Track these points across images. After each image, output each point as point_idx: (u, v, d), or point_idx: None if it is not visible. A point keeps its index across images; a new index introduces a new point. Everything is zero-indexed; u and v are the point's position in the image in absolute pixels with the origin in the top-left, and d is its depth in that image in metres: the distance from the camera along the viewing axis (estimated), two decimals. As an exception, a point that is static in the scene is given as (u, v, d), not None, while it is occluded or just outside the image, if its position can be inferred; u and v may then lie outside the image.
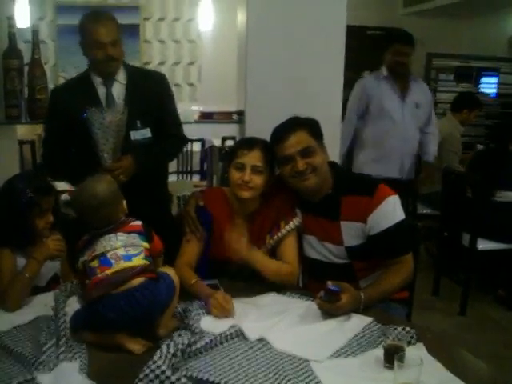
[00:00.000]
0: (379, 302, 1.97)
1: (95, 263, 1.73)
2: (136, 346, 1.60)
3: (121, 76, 2.52)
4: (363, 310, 1.88)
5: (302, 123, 2.13)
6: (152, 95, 2.55)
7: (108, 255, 1.73)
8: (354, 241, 2.13)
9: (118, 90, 2.50)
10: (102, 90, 2.49)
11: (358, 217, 2.09)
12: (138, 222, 1.87)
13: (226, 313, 1.82)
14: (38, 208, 2.00)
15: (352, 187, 2.14)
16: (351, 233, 2.12)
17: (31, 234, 2.01)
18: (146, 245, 1.82)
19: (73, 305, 1.83)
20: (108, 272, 1.69)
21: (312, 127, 2.14)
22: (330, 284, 1.82)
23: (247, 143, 2.16)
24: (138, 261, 1.74)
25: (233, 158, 2.15)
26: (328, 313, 1.82)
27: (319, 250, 2.20)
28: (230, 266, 2.08)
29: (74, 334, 1.66)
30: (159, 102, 2.59)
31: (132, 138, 2.46)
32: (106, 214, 1.82)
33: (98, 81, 2.49)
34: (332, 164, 2.23)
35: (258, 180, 2.09)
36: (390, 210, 2.08)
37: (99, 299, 1.66)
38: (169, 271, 1.81)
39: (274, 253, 2.16)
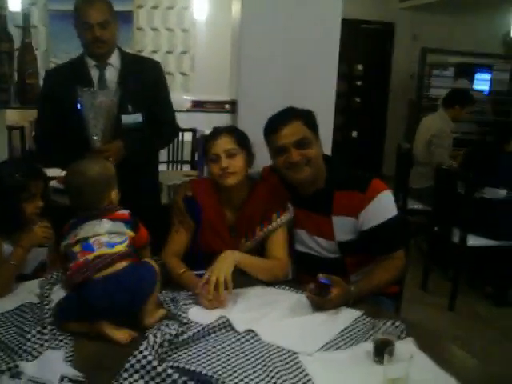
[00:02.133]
0: (369, 296, 1.95)
1: (77, 248, 1.71)
2: (121, 335, 1.57)
3: (114, 60, 2.52)
4: (353, 303, 1.86)
5: (297, 114, 2.09)
6: (145, 81, 2.55)
7: (90, 241, 1.70)
8: (346, 236, 2.10)
9: (112, 73, 2.51)
10: (95, 73, 2.50)
11: (350, 212, 2.06)
12: (125, 211, 1.84)
13: (217, 304, 1.80)
14: (26, 192, 1.96)
15: (345, 182, 2.11)
16: (343, 228, 2.09)
17: (19, 219, 1.97)
18: (131, 233, 1.79)
19: (58, 292, 1.80)
20: (89, 257, 1.67)
21: (308, 118, 2.10)
22: (320, 277, 1.80)
23: (212, 134, 2.15)
24: (121, 248, 1.72)
25: (206, 154, 2.13)
26: (318, 306, 1.81)
27: (310, 244, 2.18)
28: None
29: (59, 324, 1.62)
30: (152, 88, 2.59)
31: (123, 121, 2.46)
32: (91, 196, 1.79)
33: (91, 63, 2.49)
34: (326, 157, 2.20)
35: (235, 162, 2.06)
36: (383, 206, 2.06)
37: (82, 285, 1.64)
38: (151, 262, 1.78)
39: (262, 244, 2.14)
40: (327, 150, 3.04)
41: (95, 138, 2.30)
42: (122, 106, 2.42)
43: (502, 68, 6.79)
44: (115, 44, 2.52)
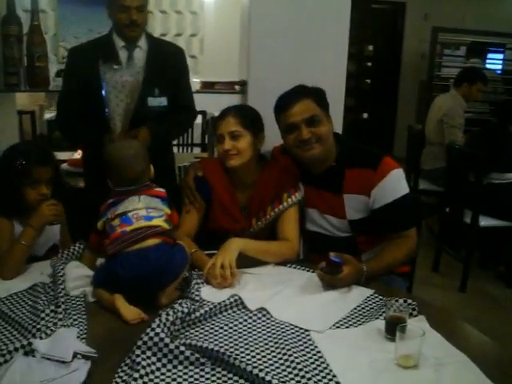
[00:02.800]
0: (381, 275, 1.95)
1: (116, 222, 1.75)
2: (130, 314, 1.58)
3: (143, 42, 2.54)
4: (365, 282, 1.86)
5: (308, 92, 2.09)
6: (170, 66, 2.58)
7: (129, 214, 1.75)
8: (357, 214, 2.09)
9: (139, 55, 2.52)
10: (123, 54, 2.51)
11: (361, 190, 2.05)
12: (162, 189, 1.87)
13: (225, 283, 1.81)
14: (29, 178, 1.95)
15: (356, 159, 2.09)
16: (354, 206, 2.08)
17: (22, 204, 1.97)
18: (168, 210, 1.83)
19: (73, 269, 1.82)
20: (127, 229, 1.71)
21: (318, 96, 2.09)
22: (332, 255, 1.80)
23: (220, 114, 2.15)
24: (159, 222, 1.76)
25: (215, 133, 2.16)
26: (329, 285, 1.81)
27: (321, 223, 2.17)
28: (229, 237, 2.03)
29: (94, 290, 1.72)
30: (176, 73, 2.62)
31: (149, 104, 2.47)
32: (136, 170, 1.83)
33: (120, 44, 2.51)
34: (337, 136, 2.18)
35: (239, 144, 2.05)
36: (394, 184, 2.04)
37: (115, 256, 1.68)
38: (182, 243, 1.82)
39: (273, 224, 2.13)
40: (338, 131, 3.03)
41: (117, 117, 2.29)
42: (149, 89, 2.45)
43: (515, 47, 6.71)
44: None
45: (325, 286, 1.81)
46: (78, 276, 1.79)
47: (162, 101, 2.52)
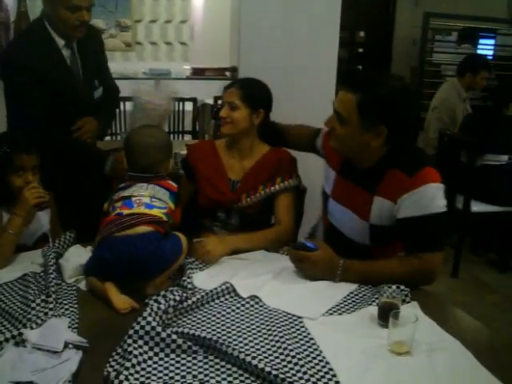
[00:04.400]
0: (367, 283, 1.77)
1: (119, 203, 1.77)
2: (120, 303, 1.57)
3: None
4: (342, 279, 1.76)
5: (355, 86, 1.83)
6: (96, 52, 2.55)
7: (133, 199, 1.76)
8: (380, 220, 1.88)
9: (75, 51, 2.43)
10: (66, 53, 2.40)
11: (391, 195, 1.83)
12: (175, 184, 1.89)
13: (209, 257, 1.89)
14: (13, 166, 1.93)
15: (398, 160, 1.85)
16: (380, 211, 1.87)
17: (8, 193, 1.95)
18: (172, 205, 1.83)
19: (67, 257, 1.82)
20: (124, 212, 1.72)
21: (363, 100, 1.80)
22: (305, 240, 1.81)
23: (229, 83, 2.27)
24: (158, 212, 1.76)
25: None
26: (298, 267, 1.79)
27: (343, 219, 2.02)
28: (219, 211, 2.22)
29: (86, 279, 1.71)
30: (101, 56, 2.61)
31: (95, 97, 2.47)
32: (150, 159, 1.86)
33: (61, 43, 2.38)
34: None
35: (233, 115, 2.16)
36: (426, 199, 1.78)
37: (105, 240, 1.67)
38: (181, 236, 1.79)
39: (263, 205, 2.20)
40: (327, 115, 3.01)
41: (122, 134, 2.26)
42: (91, 83, 2.43)
43: (507, 32, 6.68)
44: None
45: (294, 267, 1.81)
46: (77, 265, 1.77)
47: (100, 90, 2.51)
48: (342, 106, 1.80)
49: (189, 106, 5.11)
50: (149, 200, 1.77)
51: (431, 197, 1.78)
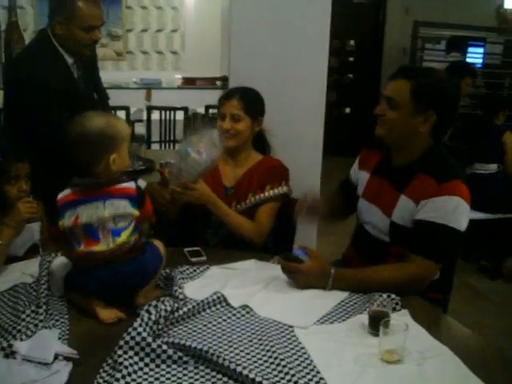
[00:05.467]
0: (356, 289, 1.76)
1: (80, 232, 1.58)
2: (106, 315, 1.56)
3: None
4: (333, 287, 1.75)
5: (408, 76, 1.88)
6: (93, 64, 2.58)
7: (95, 226, 1.57)
8: (402, 219, 1.88)
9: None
10: (75, 72, 2.43)
11: (417, 197, 1.84)
12: (132, 185, 1.65)
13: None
14: (7, 174, 1.93)
15: (432, 166, 1.86)
16: (403, 210, 1.87)
17: (2, 201, 1.94)
18: (137, 213, 1.62)
19: (58, 269, 1.78)
20: (95, 249, 1.57)
21: (417, 88, 1.85)
22: (296, 248, 1.80)
23: (226, 93, 2.30)
24: (127, 236, 1.60)
25: (218, 109, 2.30)
26: (289, 277, 1.78)
27: (367, 214, 2.05)
28: (214, 216, 2.19)
29: (68, 294, 1.66)
30: (96, 68, 2.64)
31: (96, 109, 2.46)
32: (85, 152, 1.58)
33: (70, 61, 2.39)
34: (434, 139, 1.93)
35: (238, 126, 2.21)
36: (447, 209, 1.78)
37: (83, 271, 1.62)
38: (157, 243, 1.76)
39: (254, 212, 2.23)
40: (319, 126, 3.03)
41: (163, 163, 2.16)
42: (91, 95, 2.47)
43: (495, 41, 6.74)
44: None
45: (286, 277, 1.79)
46: (62, 277, 1.74)
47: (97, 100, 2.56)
48: (395, 91, 1.86)
49: (180, 115, 5.12)
50: (113, 224, 1.58)
51: (453, 209, 1.78)
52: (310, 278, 1.76)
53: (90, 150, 1.59)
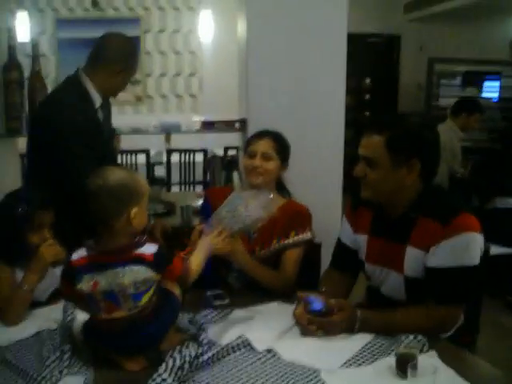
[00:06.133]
0: (382, 332, 1.71)
1: (99, 296, 1.55)
2: (131, 364, 1.55)
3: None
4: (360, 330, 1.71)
5: (383, 130, 1.81)
6: (110, 108, 2.64)
7: (115, 292, 1.54)
8: (414, 272, 1.81)
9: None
10: (100, 115, 2.49)
11: (423, 244, 1.77)
12: (151, 249, 1.57)
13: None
14: (31, 223, 1.94)
15: (431, 208, 1.79)
16: (414, 261, 1.80)
17: (26, 249, 1.95)
18: (158, 277, 1.58)
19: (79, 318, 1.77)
20: (116, 316, 1.55)
21: (394, 141, 1.77)
22: (310, 296, 1.73)
23: (259, 133, 2.30)
24: (148, 298, 1.56)
25: (246, 147, 2.30)
26: (322, 329, 1.69)
27: (379, 278, 1.95)
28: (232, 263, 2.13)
29: (86, 343, 1.63)
30: (110, 109, 2.68)
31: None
32: (105, 206, 1.54)
33: (97, 104, 2.44)
34: (425, 183, 1.87)
35: (267, 165, 2.21)
36: (461, 249, 1.72)
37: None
38: (173, 289, 1.70)
39: (277, 257, 2.18)
40: (338, 166, 3.04)
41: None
42: (111, 137, 2.55)
43: (511, 74, 6.77)
44: None
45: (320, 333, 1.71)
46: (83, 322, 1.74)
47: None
48: (370, 150, 1.80)
49: (199, 157, 5.19)
50: (133, 289, 1.53)
51: (466, 246, 1.72)
52: (341, 327, 1.71)
53: (112, 202, 1.55)
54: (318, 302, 1.71)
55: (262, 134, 2.28)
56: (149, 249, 1.57)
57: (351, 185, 2.01)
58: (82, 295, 1.58)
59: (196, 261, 1.76)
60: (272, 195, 2.08)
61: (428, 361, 1.47)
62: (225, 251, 1.96)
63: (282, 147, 2.26)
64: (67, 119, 2.29)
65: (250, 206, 1.97)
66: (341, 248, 2.09)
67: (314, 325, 1.70)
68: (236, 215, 1.96)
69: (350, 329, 1.71)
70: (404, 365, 1.42)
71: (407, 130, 1.80)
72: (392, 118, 1.93)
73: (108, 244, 1.57)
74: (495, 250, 3.78)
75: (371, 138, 1.80)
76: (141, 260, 1.55)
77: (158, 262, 1.56)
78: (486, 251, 1.93)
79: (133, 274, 1.53)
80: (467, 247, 1.72)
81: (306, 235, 2.20)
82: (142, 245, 1.57)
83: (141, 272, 1.54)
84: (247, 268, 2.08)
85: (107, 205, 1.54)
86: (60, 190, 2.19)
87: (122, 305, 1.54)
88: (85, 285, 1.56)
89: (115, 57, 2.41)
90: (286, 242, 2.17)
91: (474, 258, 1.73)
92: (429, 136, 1.84)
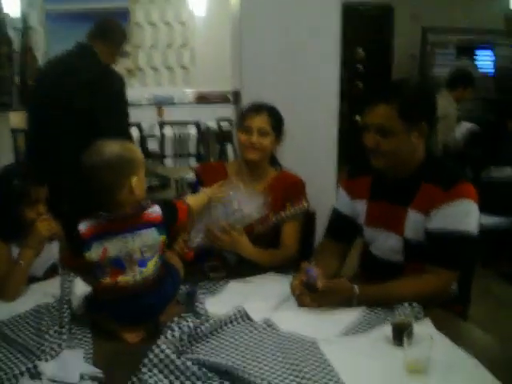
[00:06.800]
0: (380, 304, 1.72)
1: (106, 263, 1.59)
2: (130, 335, 1.57)
3: None
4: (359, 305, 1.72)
5: (390, 98, 1.81)
6: None
7: (122, 257, 1.59)
8: (414, 234, 1.84)
9: None
10: None
11: (425, 208, 1.81)
12: (157, 211, 1.64)
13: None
14: (27, 198, 1.94)
15: (434, 174, 1.83)
16: (414, 224, 1.84)
17: (22, 224, 1.95)
18: (163, 238, 1.64)
19: (79, 288, 1.79)
20: (120, 280, 1.58)
21: (405, 106, 1.78)
22: (307, 266, 1.75)
23: (254, 107, 2.26)
24: (153, 265, 1.61)
25: (241, 122, 2.27)
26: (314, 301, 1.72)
27: (377, 242, 1.99)
28: None
29: (85, 314, 1.66)
30: None
31: None
32: (106, 180, 1.56)
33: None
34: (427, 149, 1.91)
35: (263, 141, 2.20)
36: (460, 214, 1.76)
37: (106, 302, 1.62)
38: (175, 262, 1.77)
39: (274, 231, 2.18)
40: (333, 136, 3.03)
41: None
42: None
43: (504, 44, 6.74)
44: None
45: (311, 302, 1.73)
46: (83, 296, 1.75)
47: None
48: (382, 118, 1.79)
49: (192, 130, 5.16)
50: (139, 254, 1.59)
51: (465, 213, 1.77)
52: (335, 298, 1.73)
53: (112, 175, 1.57)
54: (313, 277, 1.72)
55: (257, 109, 2.24)
56: (156, 212, 1.64)
57: (350, 154, 2.00)
58: (88, 264, 1.61)
59: (192, 200, 1.90)
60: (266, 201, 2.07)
61: (423, 329, 1.49)
62: (230, 248, 2.05)
63: (277, 122, 2.25)
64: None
65: (243, 204, 2.03)
66: (337, 217, 2.11)
67: (306, 297, 1.72)
68: (228, 207, 2.03)
69: (346, 303, 1.72)
70: (400, 333, 1.44)
71: (416, 95, 1.84)
72: (395, 84, 1.98)
73: (115, 215, 1.61)
74: (489, 220, 3.83)
75: (380, 107, 1.79)
76: (150, 223, 1.61)
77: (166, 219, 1.64)
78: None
79: (141, 239, 1.60)
80: (467, 214, 1.77)
81: (303, 206, 2.18)
82: (148, 207, 1.64)
83: (149, 237, 1.61)
84: (253, 258, 2.08)
85: (109, 179, 1.57)
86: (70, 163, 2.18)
87: (126, 270, 1.58)
88: (94, 252, 1.59)
89: (117, 36, 2.96)
90: (284, 215, 2.15)
91: (473, 226, 1.77)
92: (434, 98, 1.92)
